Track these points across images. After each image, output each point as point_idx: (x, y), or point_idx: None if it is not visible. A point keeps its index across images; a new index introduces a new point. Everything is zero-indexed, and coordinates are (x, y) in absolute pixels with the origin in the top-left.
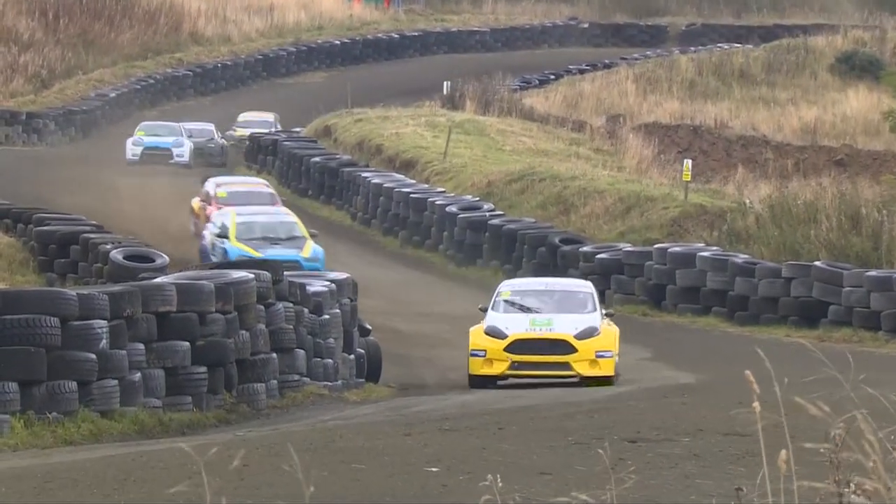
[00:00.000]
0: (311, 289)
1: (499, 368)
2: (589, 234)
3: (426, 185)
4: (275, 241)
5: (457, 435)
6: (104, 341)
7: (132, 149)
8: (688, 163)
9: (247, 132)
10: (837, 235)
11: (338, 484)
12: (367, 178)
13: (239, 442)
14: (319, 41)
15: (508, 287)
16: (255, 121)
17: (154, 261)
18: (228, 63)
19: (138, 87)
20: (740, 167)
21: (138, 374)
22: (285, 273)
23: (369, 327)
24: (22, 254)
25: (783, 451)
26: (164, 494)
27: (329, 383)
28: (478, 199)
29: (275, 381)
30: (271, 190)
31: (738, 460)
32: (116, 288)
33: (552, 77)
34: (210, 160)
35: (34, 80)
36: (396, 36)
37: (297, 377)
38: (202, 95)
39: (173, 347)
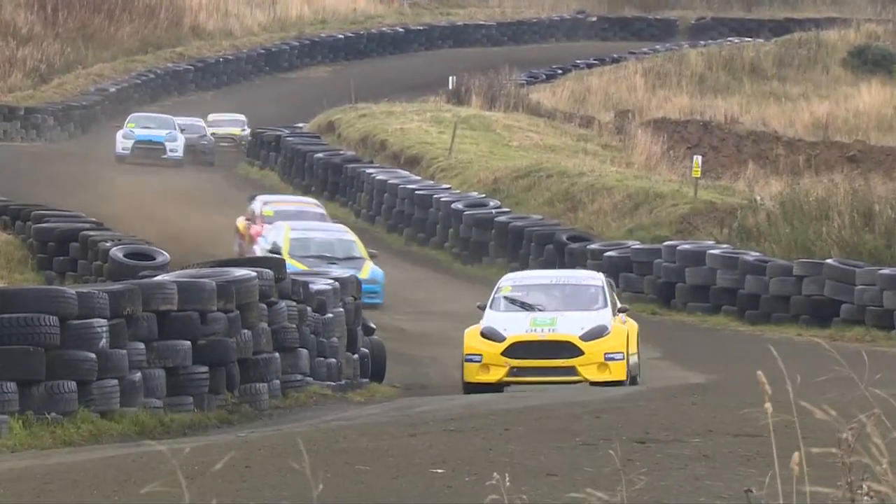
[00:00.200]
0: (314, 287)
1: (496, 375)
2: (597, 231)
3: (431, 182)
4: (331, 261)
5: (462, 436)
6: (104, 340)
7: (122, 142)
8: (697, 159)
9: (218, 132)
10: (850, 233)
11: (341, 485)
12: (371, 174)
13: (241, 443)
14: (323, 35)
15: (509, 282)
16: (225, 120)
17: (154, 258)
18: (230, 57)
19: (138, 81)
20: (751, 163)
21: (139, 374)
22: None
23: (373, 326)
24: (20, 251)
25: (796, 454)
26: (165, 496)
27: (332, 383)
28: (484, 195)
29: (277, 381)
30: (322, 210)
31: (749, 461)
32: (116, 286)
33: (559, 72)
34: (202, 158)
35: (33, 74)
36: (401, 30)
37: (300, 377)
38: (203, 90)
39: (174, 347)
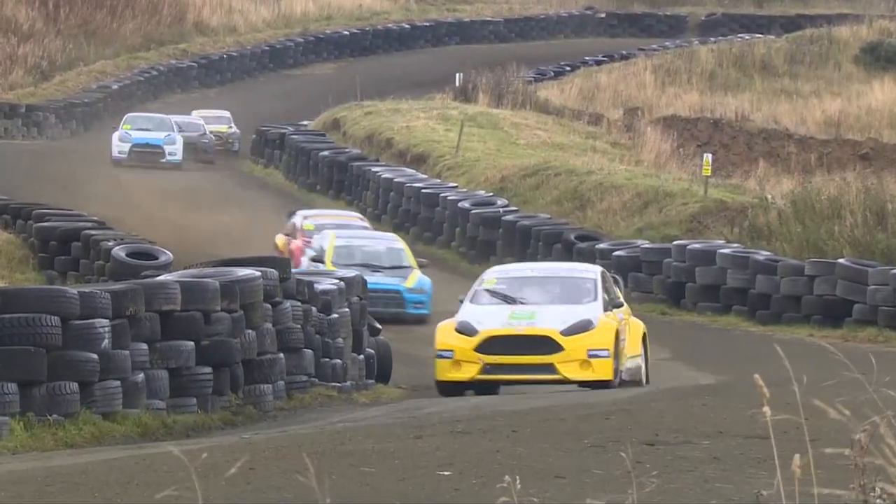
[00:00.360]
0: (319, 287)
1: (468, 372)
2: (606, 230)
3: (438, 180)
4: (376, 269)
5: (469, 438)
6: (106, 341)
7: (119, 145)
8: (708, 157)
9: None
10: (862, 232)
11: (347, 488)
12: (377, 172)
13: (245, 445)
14: (328, 32)
15: (495, 273)
16: (210, 117)
17: (157, 258)
18: (234, 54)
19: (141, 79)
20: (762, 161)
21: (141, 375)
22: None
23: (379, 326)
24: (21, 251)
25: (797, 457)
26: (173, 499)
27: (338, 384)
28: (491, 194)
29: (282, 382)
30: (366, 223)
31: (760, 464)
32: (119, 286)
33: (568, 68)
34: (203, 157)
35: (34, 71)
36: (407, 26)
37: (304, 378)
38: (207, 87)
39: (177, 347)
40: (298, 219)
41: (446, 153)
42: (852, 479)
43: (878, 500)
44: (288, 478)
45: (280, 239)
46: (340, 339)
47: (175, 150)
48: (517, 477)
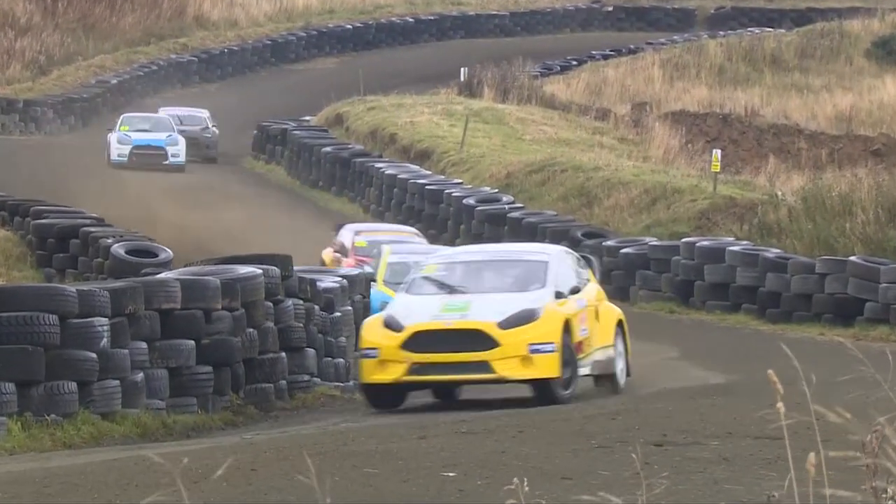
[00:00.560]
0: (321, 285)
1: (394, 373)
2: (613, 227)
3: (442, 177)
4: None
5: (474, 438)
6: (105, 340)
7: (118, 148)
8: (717, 153)
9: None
10: (874, 229)
11: (350, 489)
12: (380, 168)
13: (246, 445)
14: (331, 25)
15: (435, 259)
16: (184, 116)
17: (157, 255)
18: (235, 48)
19: (141, 73)
20: (772, 157)
21: (141, 375)
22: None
23: None
24: (19, 248)
25: (811, 455)
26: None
27: (341, 384)
28: (496, 190)
29: (284, 382)
30: (422, 239)
31: (770, 465)
32: (118, 284)
33: (574, 63)
34: (205, 153)
35: (32, 66)
36: (411, 20)
37: (307, 377)
38: (208, 82)
39: (177, 346)
40: (348, 234)
41: (451, 149)
42: (863, 481)
43: (889, 502)
44: (290, 479)
45: (328, 255)
46: (343, 338)
47: (178, 150)
48: (525, 479)
